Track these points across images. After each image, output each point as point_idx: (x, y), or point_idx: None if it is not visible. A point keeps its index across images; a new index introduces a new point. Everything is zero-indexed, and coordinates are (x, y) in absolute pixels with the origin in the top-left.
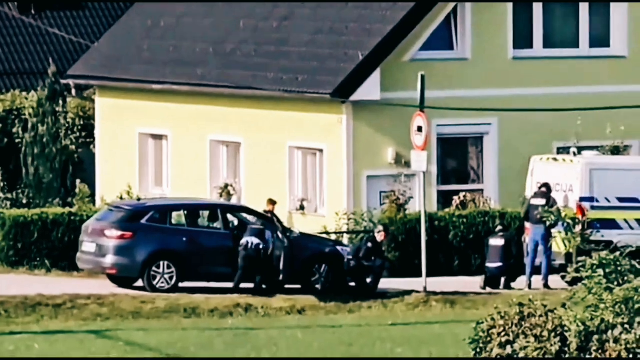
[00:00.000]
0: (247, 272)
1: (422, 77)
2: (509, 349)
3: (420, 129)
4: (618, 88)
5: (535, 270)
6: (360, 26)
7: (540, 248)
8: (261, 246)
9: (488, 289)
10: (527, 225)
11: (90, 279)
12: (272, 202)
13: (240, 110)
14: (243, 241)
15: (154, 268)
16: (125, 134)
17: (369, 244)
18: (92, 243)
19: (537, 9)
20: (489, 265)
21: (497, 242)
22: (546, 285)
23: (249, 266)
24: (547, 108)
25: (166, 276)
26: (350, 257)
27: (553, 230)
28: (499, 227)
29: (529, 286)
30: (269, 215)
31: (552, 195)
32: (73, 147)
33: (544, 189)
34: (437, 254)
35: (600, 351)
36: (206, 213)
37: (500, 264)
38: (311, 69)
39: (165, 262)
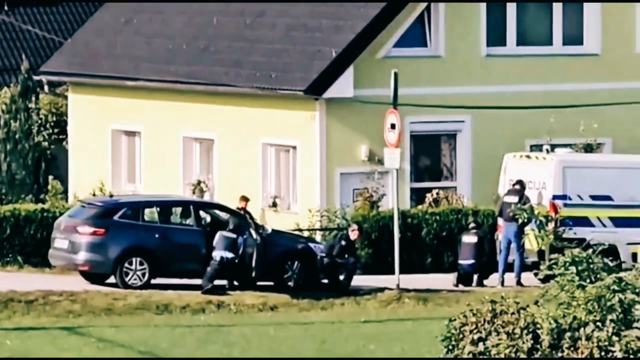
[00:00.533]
0: (217, 278)
1: (395, 74)
2: (481, 346)
3: (393, 126)
4: (591, 86)
5: (508, 268)
6: (333, 23)
7: (513, 245)
8: (236, 260)
9: (460, 286)
10: (500, 222)
11: (62, 276)
12: (245, 199)
13: (213, 107)
14: (216, 255)
15: (126, 265)
16: (98, 130)
17: (343, 242)
18: (64, 239)
19: (511, 6)
20: (462, 262)
21: (469, 239)
22: (519, 283)
23: (219, 276)
24: (520, 105)
25: (138, 273)
26: (324, 254)
27: (526, 228)
28: (472, 224)
29: (502, 283)
30: (242, 212)
31: (526, 192)
32: (46, 143)
33: (517, 187)
34: (409, 251)
35: (572, 349)
36: (179, 210)
37: (472, 261)
38: (284, 66)
39: (138, 259)
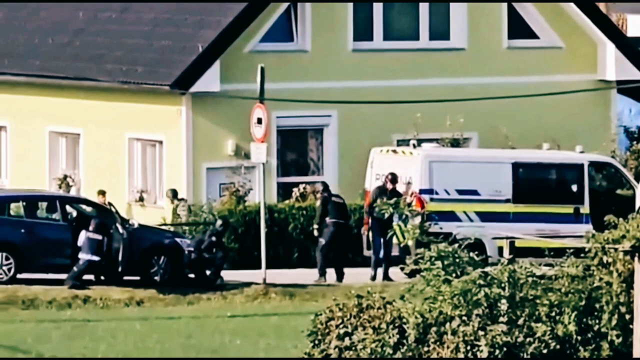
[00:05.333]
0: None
1: (262, 68)
2: (347, 341)
3: (260, 120)
4: (458, 80)
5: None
6: (199, 18)
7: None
8: (103, 263)
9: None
10: (367, 218)
11: None
12: (102, 193)
13: (80, 102)
14: (82, 257)
15: None
16: None
17: (213, 238)
18: None
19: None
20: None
21: (338, 199)
22: (386, 276)
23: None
24: (387, 100)
25: (4, 267)
26: (192, 248)
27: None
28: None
29: (373, 278)
30: (108, 206)
31: (397, 187)
32: None
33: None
34: (276, 246)
35: (438, 343)
36: (45, 204)
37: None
38: (151, 61)
39: (4, 254)
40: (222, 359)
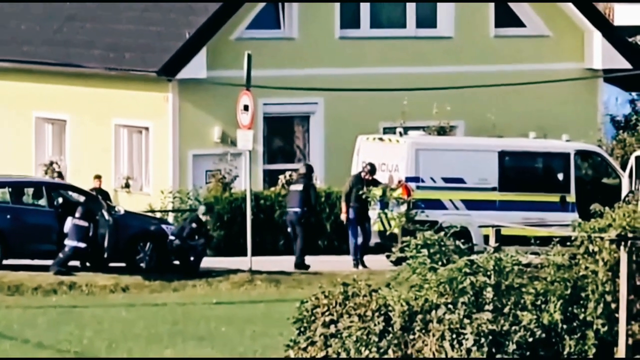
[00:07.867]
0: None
1: (249, 55)
2: (332, 328)
3: (246, 107)
4: (444, 68)
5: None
6: (186, 4)
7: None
8: (89, 250)
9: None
10: (344, 205)
11: None
12: (98, 177)
13: (66, 88)
14: (69, 244)
15: None
16: None
17: (194, 225)
18: None
19: None
20: (289, 209)
21: (296, 187)
22: (363, 263)
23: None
24: (373, 88)
25: None
26: (174, 236)
27: (377, 210)
28: (301, 172)
29: (356, 265)
30: (95, 192)
31: (375, 176)
32: None
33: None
34: (262, 233)
35: (423, 331)
36: (31, 191)
37: (298, 209)
38: (138, 47)
39: None
40: (213, 359)
